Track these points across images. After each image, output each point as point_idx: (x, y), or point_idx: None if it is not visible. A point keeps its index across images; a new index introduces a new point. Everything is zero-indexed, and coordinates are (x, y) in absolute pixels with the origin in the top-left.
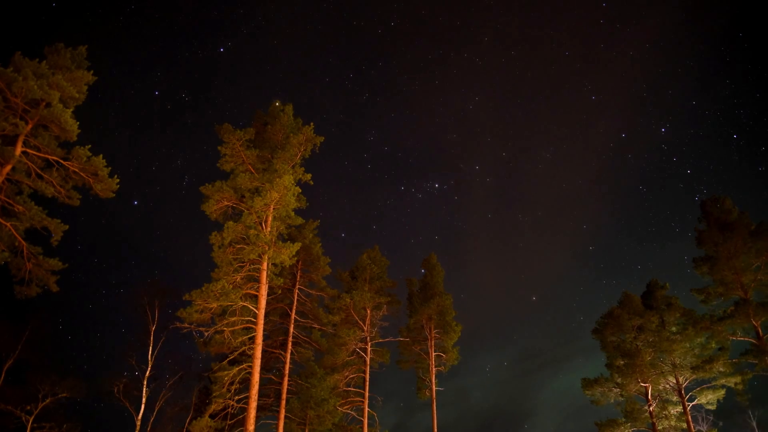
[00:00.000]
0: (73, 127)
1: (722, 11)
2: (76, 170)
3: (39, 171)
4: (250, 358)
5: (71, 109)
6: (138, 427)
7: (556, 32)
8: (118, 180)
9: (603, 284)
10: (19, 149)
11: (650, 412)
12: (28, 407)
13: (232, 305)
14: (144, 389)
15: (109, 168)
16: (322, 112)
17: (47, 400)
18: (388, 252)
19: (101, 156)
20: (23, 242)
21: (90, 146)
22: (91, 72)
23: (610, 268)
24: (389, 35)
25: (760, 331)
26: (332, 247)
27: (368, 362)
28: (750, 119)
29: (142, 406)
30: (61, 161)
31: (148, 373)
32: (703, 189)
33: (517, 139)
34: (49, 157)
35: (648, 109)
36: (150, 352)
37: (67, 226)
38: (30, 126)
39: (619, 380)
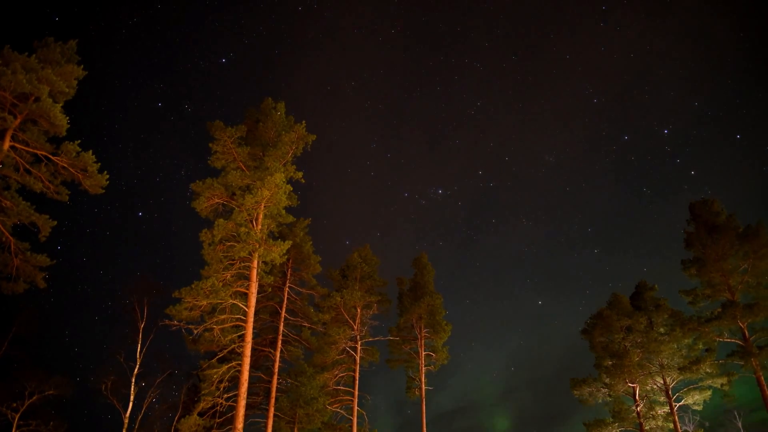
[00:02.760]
0: (62, 121)
1: (723, 11)
2: (65, 166)
3: (27, 166)
4: (240, 356)
5: (61, 104)
6: (126, 425)
7: (556, 36)
8: (107, 176)
9: (609, 287)
10: (7, 144)
11: (638, 413)
12: (14, 404)
13: (221, 303)
14: (132, 387)
15: (99, 164)
16: (324, 120)
17: (33, 398)
18: (392, 259)
19: (91, 152)
20: (10, 238)
21: (80, 141)
22: (81, 66)
23: (616, 270)
24: (390, 42)
25: (746, 332)
26: (336, 255)
27: (358, 361)
28: (753, 119)
29: (130, 404)
30: (50, 156)
31: (136, 370)
32: (707, 190)
33: (519, 144)
34: (38, 152)
35: (650, 111)
36: (138, 350)
37: (55, 222)
38: (18, 120)
39: (607, 380)
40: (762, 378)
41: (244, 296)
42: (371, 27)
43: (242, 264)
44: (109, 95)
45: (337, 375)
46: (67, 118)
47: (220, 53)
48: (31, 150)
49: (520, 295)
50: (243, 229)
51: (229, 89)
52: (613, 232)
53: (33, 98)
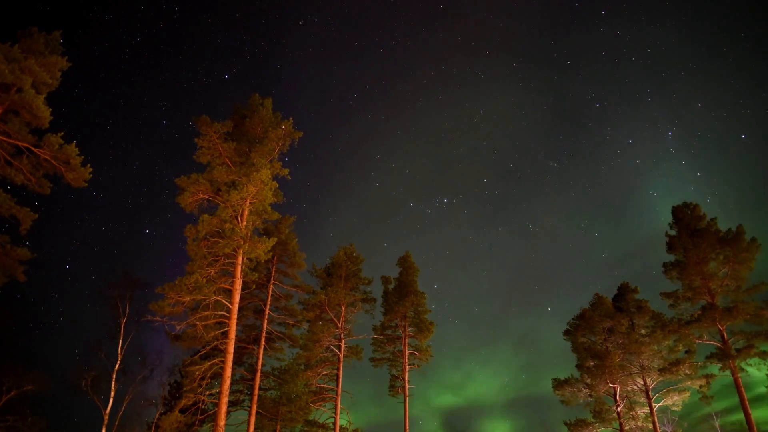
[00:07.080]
0: (45, 113)
1: (723, 11)
2: (48, 158)
3: (8, 158)
4: (223, 353)
5: (44, 95)
6: (106, 422)
7: (556, 42)
8: (90, 169)
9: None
10: None
11: (618, 413)
12: None
13: (205, 299)
14: (113, 383)
15: (82, 157)
16: (327, 132)
17: (11, 393)
18: (393, 266)
19: (74, 144)
20: None
21: (62, 134)
22: (66, 58)
23: (622, 273)
24: (391, 54)
25: (725, 335)
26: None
27: (342, 359)
28: (757, 118)
29: (111, 400)
30: (32, 148)
31: (117, 366)
32: (714, 192)
33: (523, 150)
34: (20, 143)
35: (654, 114)
36: (120, 346)
37: (36, 215)
38: (0, 111)
39: (588, 381)
40: (740, 380)
41: (228, 293)
42: (372, 38)
43: (227, 260)
44: (111, 115)
45: (320, 373)
46: (50, 109)
47: (223, 69)
48: (12, 141)
49: (525, 300)
50: (228, 225)
51: (233, 104)
52: (619, 236)
53: (15, 89)
